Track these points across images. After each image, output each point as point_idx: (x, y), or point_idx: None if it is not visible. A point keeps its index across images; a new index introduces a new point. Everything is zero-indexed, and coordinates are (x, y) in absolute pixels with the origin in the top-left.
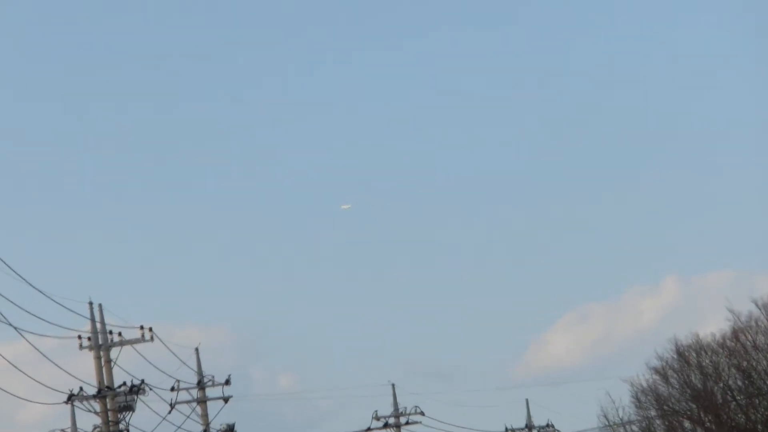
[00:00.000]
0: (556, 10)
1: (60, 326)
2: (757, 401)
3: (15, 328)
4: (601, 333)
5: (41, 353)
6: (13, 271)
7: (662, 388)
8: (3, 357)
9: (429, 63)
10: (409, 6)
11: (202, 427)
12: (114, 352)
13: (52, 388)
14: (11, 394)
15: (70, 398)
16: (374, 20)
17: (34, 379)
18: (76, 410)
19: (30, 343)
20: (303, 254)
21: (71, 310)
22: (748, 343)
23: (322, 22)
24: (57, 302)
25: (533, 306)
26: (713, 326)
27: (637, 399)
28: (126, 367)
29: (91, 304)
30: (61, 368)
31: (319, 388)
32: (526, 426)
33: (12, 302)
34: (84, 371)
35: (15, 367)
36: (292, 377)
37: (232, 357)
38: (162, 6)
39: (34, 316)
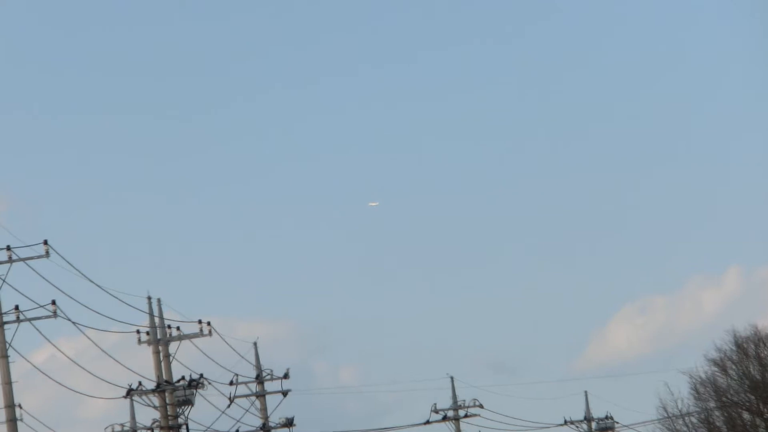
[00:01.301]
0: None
1: (120, 321)
2: None
3: (75, 324)
4: (663, 324)
5: (101, 349)
6: (73, 266)
7: (721, 380)
8: (64, 354)
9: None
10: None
11: (261, 421)
12: (173, 347)
13: (112, 383)
14: (71, 390)
15: (129, 393)
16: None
17: (93, 375)
18: (136, 405)
19: (90, 339)
20: (364, 250)
21: (130, 305)
22: None
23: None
24: (117, 297)
25: (595, 298)
26: None
27: (696, 391)
28: (185, 361)
29: (149, 298)
30: (120, 363)
31: (378, 382)
32: (585, 418)
33: (72, 298)
34: (143, 366)
35: (75, 363)
36: (353, 371)
37: (295, 351)
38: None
39: (95, 312)
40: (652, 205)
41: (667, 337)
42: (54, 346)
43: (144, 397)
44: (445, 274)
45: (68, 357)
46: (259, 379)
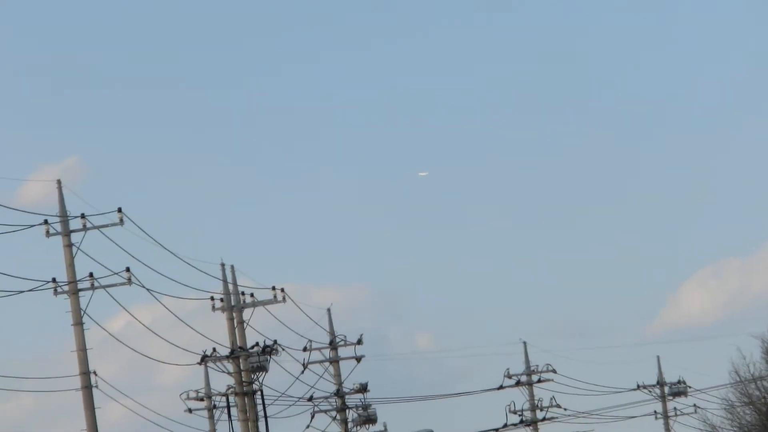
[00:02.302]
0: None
1: (195, 288)
2: None
3: (149, 291)
4: (737, 288)
5: (176, 316)
6: (147, 234)
7: None
8: (139, 321)
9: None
10: None
11: (335, 387)
12: (246, 313)
13: (186, 350)
14: (146, 357)
15: (204, 359)
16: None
17: (168, 341)
18: (211, 371)
19: (165, 306)
20: (440, 214)
21: (204, 272)
22: None
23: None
24: (191, 264)
25: (669, 261)
26: None
27: None
28: (259, 328)
29: (223, 265)
30: (195, 330)
31: (452, 347)
32: (658, 383)
33: (147, 266)
34: (218, 333)
35: (150, 330)
36: (429, 337)
37: (371, 317)
38: None
39: (169, 279)
40: (728, 168)
41: (741, 300)
42: (129, 313)
43: (218, 363)
44: (518, 237)
45: (143, 324)
46: (333, 345)
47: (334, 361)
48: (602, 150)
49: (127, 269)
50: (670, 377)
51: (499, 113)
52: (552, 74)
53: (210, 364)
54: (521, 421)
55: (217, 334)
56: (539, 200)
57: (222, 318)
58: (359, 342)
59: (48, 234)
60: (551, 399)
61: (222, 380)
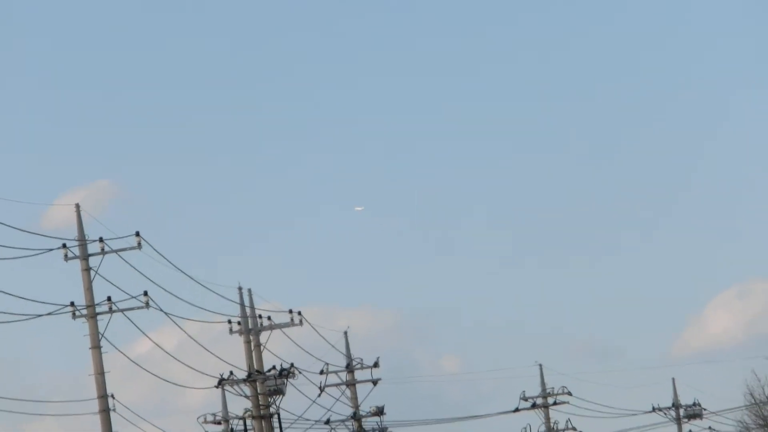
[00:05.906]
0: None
1: (213, 312)
2: None
3: (167, 314)
4: (761, 310)
5: (193, 339)
6: (164, 258)
7: None
8: (157, 344)
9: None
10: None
11: (351, 410)
12: (263, 337)
13: (204, 373)
14: (164, 380)
15: (221, 382)
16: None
17: (186, 365)
18: (228, 394)
19: (183, 330)
20: (461, 239)
21: (222, 296)
22: None
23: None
24: (208, 288)
25: (693, 282)
26: None
27: None
28: (276, 351)
29: (240, 289)
30: (213, 353)
31: (471, 371)
32: (673, 405)
33: (165, 289)
34: (236, 356)
35: (169, 354)
36: (449, 360)
37: (393, 340)
38: None
39: (187, 302)
40: (754, 188)
41: (764, 322)
42: (147, 337)
43: (235, 386)
44: (539, 260)
45: (161, 347)
46: (350, 368)
47: (351, 384)
48: (624, 174)
49: (145, 293)
50: (686, 399)
51: (523, 137)
52: (569, 97)
53: (227, 387)
54: None
55: (235, 357)
56: (560, 224)
57: (240, 341)
58: (376, 365)
59: (66, 258)
60: (567, 421)
61: (239, 403)
